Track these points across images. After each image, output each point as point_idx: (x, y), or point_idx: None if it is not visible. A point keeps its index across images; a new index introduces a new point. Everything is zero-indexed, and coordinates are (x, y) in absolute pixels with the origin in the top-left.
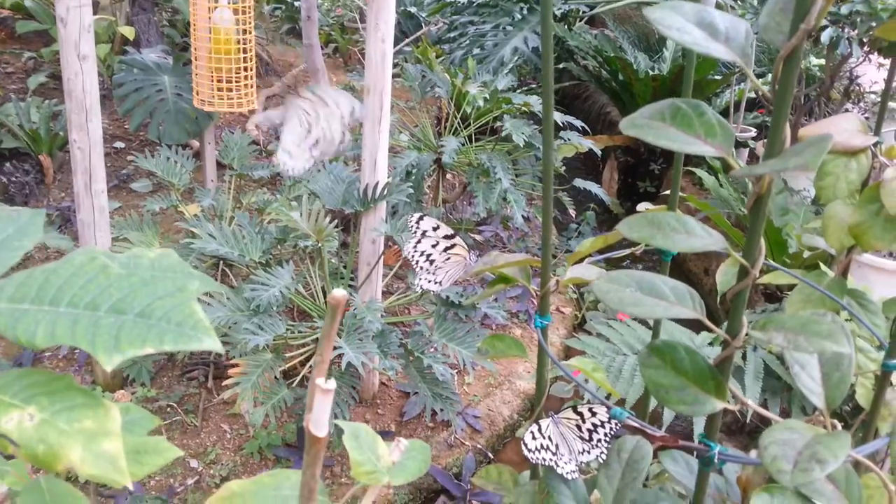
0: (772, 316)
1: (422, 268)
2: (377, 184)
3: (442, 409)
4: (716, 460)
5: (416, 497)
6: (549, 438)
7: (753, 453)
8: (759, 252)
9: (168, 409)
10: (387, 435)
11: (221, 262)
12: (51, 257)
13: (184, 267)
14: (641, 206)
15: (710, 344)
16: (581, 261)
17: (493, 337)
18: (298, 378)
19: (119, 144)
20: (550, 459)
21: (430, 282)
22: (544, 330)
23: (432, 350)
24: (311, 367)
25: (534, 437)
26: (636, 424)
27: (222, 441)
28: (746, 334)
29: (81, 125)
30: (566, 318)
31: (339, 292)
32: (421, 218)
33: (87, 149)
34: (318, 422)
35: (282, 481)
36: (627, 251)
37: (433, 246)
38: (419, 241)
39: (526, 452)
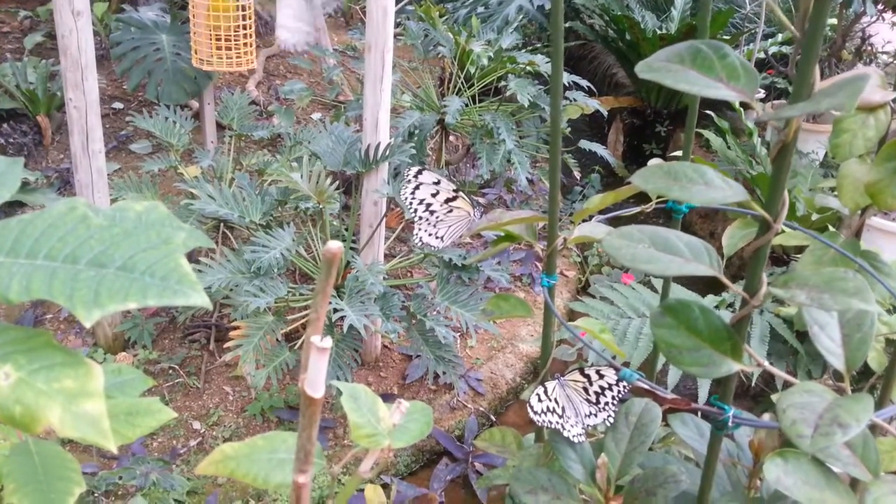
0: (794, 273)
1: (421, 217)
2: (379, 144)
3: (444, 372)
4: (730, 424)
5: (418, 459)
6: (556, 401)
7: (766, 416)
8: (782, 205)
9: (170, 371)
10: (389, 398)
11: (222, 224)
12: None
13: (172, 220)
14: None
15: (716, 307)
16: (589, 219)
17: (498, 297)
18: (300, 340)
19: (118, 105)
20: (556, 422)
21: (430, 235)
22: (551, 290)
23: (435, 313)
24: None
25: (539, 400)
26: (647, 386)
27: (225, 403)
28: (765, 293)
29: (77, 84)
30: (570, 281)
31: (333, 244)
32: (420, 171)
33: (83, 108)
34: (314, 382)
35: (277, 444)
36: (636, 209)
37: (433, 195)
38: (417, 188)
39: (532, 415)
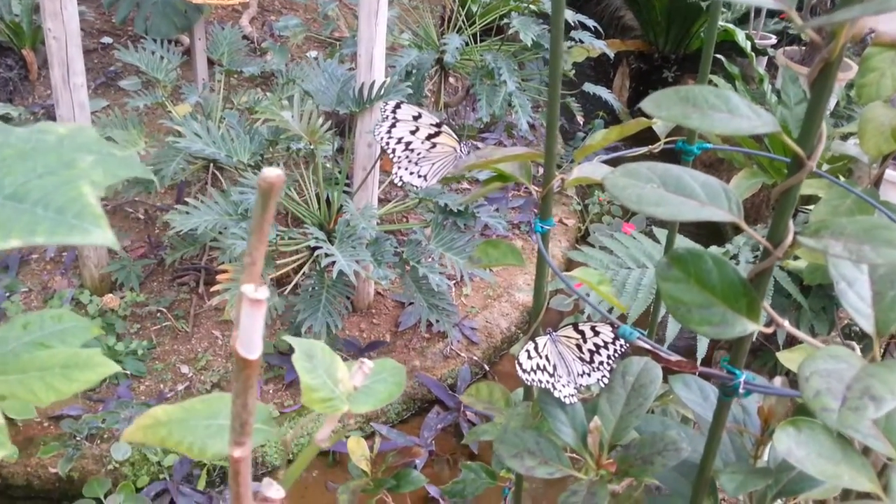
0: (827, 220)
1: (400, 157)
2: (373, 83)
3: (437, 321)
4: (741, 391)
5: (409, 407)
6: (546, 358)
7: (779, 380)
8: (818, 139)
9: (158, 314)
10: (381, 345)
11: (212, 164)
12: None
13: (102, 146)
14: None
15: None
16: (591, 159)
17: (487, 243)
18: (291, 285)
19: (107, 40)
20: (547, 381)
21: (411, 173)
22: (545, 236)
23: (429, 260)
24: (304, 274)
25: (529, 357)
26: (648, 346)
27: (214, 347)
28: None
29: (56, 13)
30: (569, 230)
31: (270, 172)
32: (398, 105)
33: (62, 39)
34: (248, 340)
35: (218, 408)
36: (643, 149)
37: (413, 132)
38: (393, 126)
39: (520, 373)
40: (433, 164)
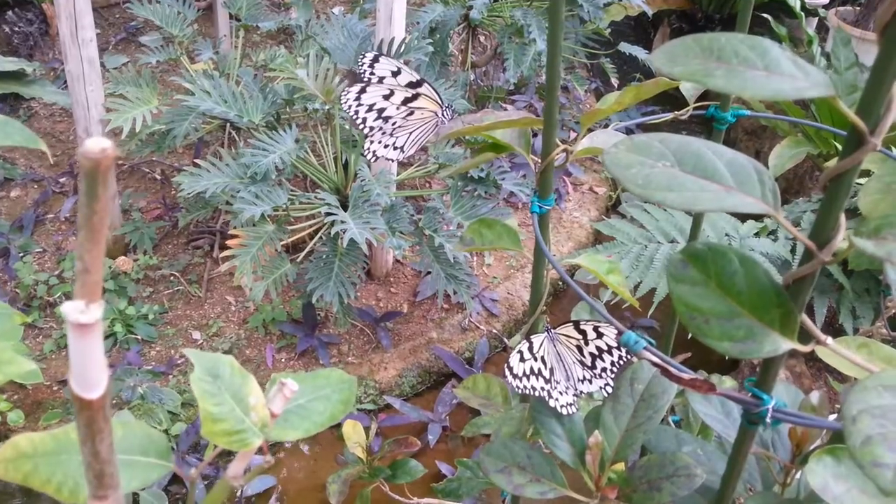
0: (891, 215)
1: (371, 128)
2: (392, 40)
3: (455, 292)
4: (768, 419)
5: (424, 380)
6: (543, 361)
7: (815, 397)
8: (886, 108)
9: (171, 278)
10: (397, 316)
11: (228, 124)
12: (54, 114)
13: None
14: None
15: (756, 235)
16: (605, 126)
17: (481, 222)
18: (304, 252)
19: None
20: (542, 388)
21: (386, 146)
22: (543, 217)
23: (447, 228)
24: (320, 239)
25: (522, 359)
26: (657, 360)
27: (226, 313)
28: (842, 244)
29: None
30: (599, 198)
31: (93, 144)
32: (376, 59)
33: None
34: (83, 375)
35: None
36: (667, 116)
37: (386, 97)
38: (363, 91)
39: (509, 379)
40: (410, 133)
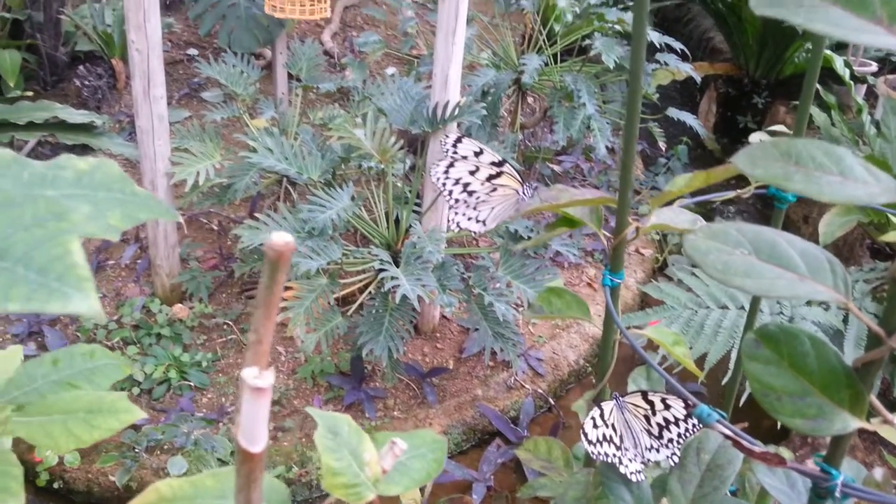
0: None
1: (457, 200)
2: (448, 103)
3: (502, 349)
4: (837, 494)
5: (469, 437)
6: (613, 427)
7: (878, 473)
8: None
9: (225, 326)
10: (443, 372)
11: (285, 179)
12: (120, 166)
13: (124, 185)
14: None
15: (808, 303)
16: (671, 203)
17: (550, 291)
18: (355, 305)
19: (192, 51)
20: (613, 455)
21: (469, 219)
22: (615, 290)
23: (496, 287)
24: (369, 294)
25: (595, 426)
26: (729, 433)
27: (276, 363)
28: None
29: (139, 25)
30: (646, 260)
31: (279, 238)
32: (459, 140)
33: (145, 51)
34: (251, 432)
35: (228, 484)
36: (731, 193)
37: (472, 172)
38: (451, 165)
39: (585, 445)
40: (493, 207)
